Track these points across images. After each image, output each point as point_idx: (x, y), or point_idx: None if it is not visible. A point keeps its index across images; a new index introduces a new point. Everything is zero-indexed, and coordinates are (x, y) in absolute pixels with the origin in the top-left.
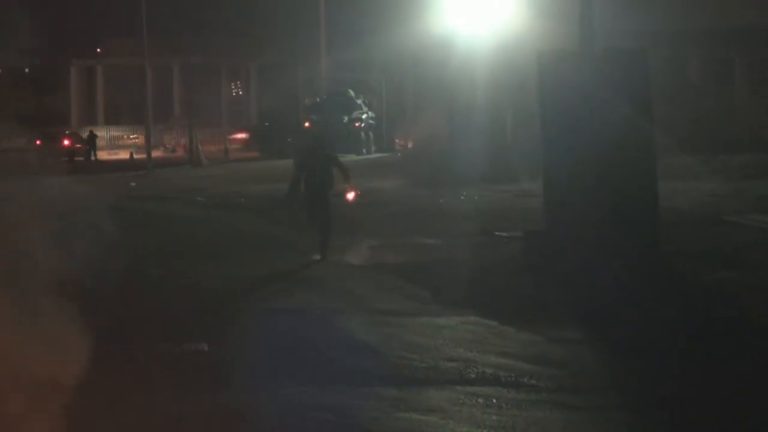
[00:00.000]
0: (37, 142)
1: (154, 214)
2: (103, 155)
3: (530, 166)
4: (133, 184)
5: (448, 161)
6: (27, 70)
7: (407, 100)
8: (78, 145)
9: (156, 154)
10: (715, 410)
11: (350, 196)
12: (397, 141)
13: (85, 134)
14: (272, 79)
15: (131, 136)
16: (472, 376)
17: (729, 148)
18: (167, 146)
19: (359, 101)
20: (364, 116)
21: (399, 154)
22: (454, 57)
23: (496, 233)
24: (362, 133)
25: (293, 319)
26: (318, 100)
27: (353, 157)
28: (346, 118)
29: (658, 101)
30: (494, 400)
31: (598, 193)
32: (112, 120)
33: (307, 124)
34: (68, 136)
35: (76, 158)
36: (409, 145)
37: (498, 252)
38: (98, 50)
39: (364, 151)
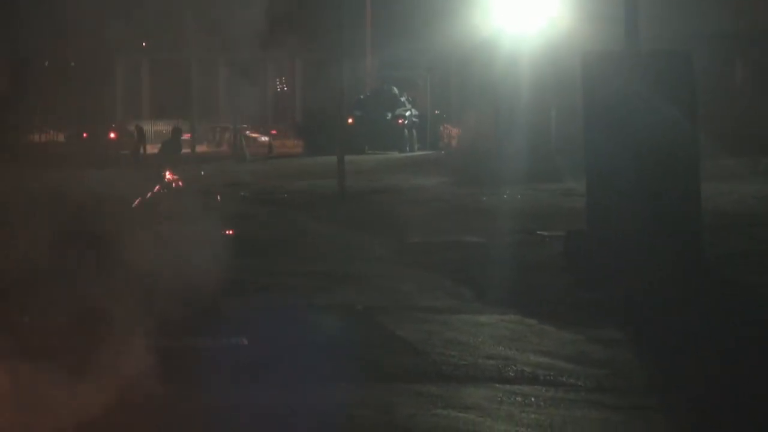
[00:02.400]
0: (84, 135)
1: None
2: (148, 148)
3: (574, 165)
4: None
5: (491, 160)
6: (73, 63)
7: (452, 98)
8: (125, 139)
9: (200, 148)
10: (757, 415)
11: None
12: (444, 138)
13: (132, 128)
14: (317, 75)
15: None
16: (511, 374)
17: None
18: (211, 141)
19: (402, 98)
20: (407, 113)
21: (443, 152)
22: (499, 56)
23: (538, 232)
24: (405, 131)
25: (333, 316)
26: (362, 96)
27: (396, 154)
28: (389, 115)
29: (703, 103)
30: (533, 399)
31: (641, 193)
32: (157, 114)
33: (350, 121)
34: (115, 130)
35: (123, 152)
36: (453, 143)
37: (540, 251)
38: (143, 44)
39: (407, 148)
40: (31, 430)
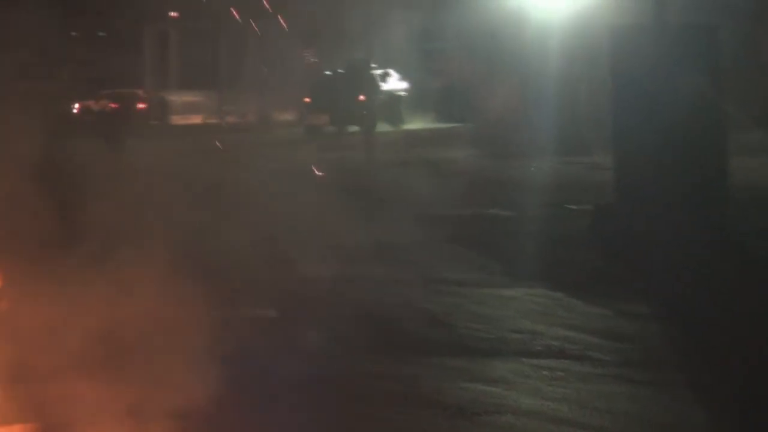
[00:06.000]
0: (112, 105)
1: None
2: (177, 120)
3: (602, 138)
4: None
5: (519, 132)
6: (101, 33)
7: (481, 70)
8: (153, 110)
9: (230, 119)
10: None
11: None
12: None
13: (156, 99)
14: (346, 48)
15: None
16: (538, 348)
17: None
18: (236, 112)
19: (373, 72)
20: (381, 88)
21: (471, 125)
22: (528, 27)
23: (566, 206)
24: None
25: (361, 288)
26: (330, 73)
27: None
28: (353, 92)
29: (732, 77)
30: (559, 373)
31: (668, 167)
32: (185, 84)
33: (306, 100)
34: (143, 100)
35: (152, 122)
36: (482, 116)
37: (567, 224)
38: (172, 14)
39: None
40: None
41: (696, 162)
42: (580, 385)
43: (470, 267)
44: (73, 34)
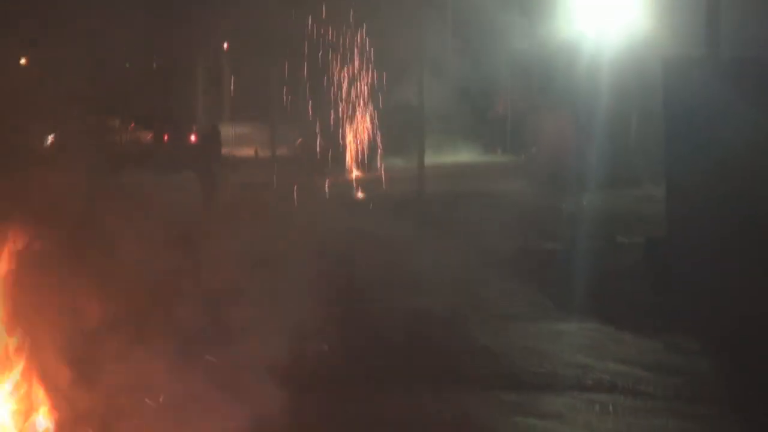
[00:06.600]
0: (165, 137)
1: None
2: (229, 151)
3: (654, 170)
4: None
5: (571, 164)
6: (155, 65)
7: (532, 103)
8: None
9: (280, 151)
10: None
11: None
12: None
13: (208, 131)
14: (393, 84)
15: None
16: (590, 382)
17: None
18: (290, 145)
19: None
20: None
21: (522, 157)
22: (579, 60)
23: (618, 238)
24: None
25: (416, 321)
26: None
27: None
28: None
29: None
30: (611, 407)
31: (721, 199)
32: (237, 117)
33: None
34: (195, 132)
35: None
36: (533, 148)
37: (619, 257)
38: (225, 46)
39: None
40: None
41: (748, 194)
42: (631, 419)
43: (524, 301)
44: (127, 65)
